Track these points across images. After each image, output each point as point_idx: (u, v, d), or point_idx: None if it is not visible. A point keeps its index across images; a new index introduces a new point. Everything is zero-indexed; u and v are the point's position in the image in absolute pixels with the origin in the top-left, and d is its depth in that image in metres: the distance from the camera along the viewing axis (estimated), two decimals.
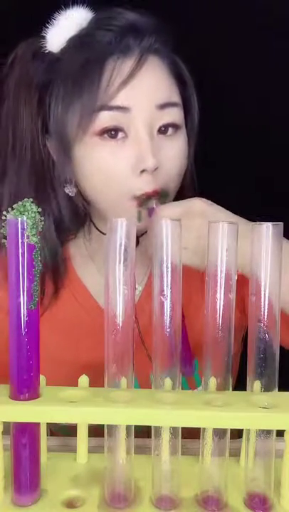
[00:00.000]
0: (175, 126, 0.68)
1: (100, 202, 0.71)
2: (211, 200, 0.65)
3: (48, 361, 0.69)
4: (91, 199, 0.72)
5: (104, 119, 0.64)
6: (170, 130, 0.68)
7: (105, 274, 0.48)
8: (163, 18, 0.67)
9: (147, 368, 0.50)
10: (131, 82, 0.64)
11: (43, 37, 0.69)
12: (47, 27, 0.67)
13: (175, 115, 0.68)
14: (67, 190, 0.73)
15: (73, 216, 0.75)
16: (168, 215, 0.63)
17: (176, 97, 0.69)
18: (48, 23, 0.67)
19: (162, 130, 0.67)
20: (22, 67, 0.69)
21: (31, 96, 0.68)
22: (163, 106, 0.66)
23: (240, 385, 0.51)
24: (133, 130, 0.65)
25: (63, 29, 0.67)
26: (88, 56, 0.65)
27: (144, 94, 0.65)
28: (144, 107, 0.65)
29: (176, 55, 0.71)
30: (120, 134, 0.66)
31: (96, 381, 0.51)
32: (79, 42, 0.67)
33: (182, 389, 0.50)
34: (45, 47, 0.68)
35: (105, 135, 0.65)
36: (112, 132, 0.65)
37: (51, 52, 0.68)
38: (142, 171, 0.65)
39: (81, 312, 0.79)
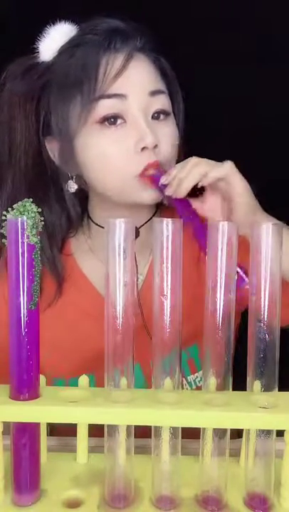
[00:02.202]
0: (165, 113, 0.74)
1: (108, 189, 0.74)
2: None
3: (53, 353, 0.70)
4: (98, 187, 0.75)
5: (104, 107, 0.70)
6: (161, 116, 0.74)
7: (105, 275, 0.48)
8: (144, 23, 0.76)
9: (150, 353, 0.50)
10: (124, 72, 0.70)
11: (33, 52, 0.75)
12: (39, 41, 0.75)
13: (164, 102, 0.74)
14: (68, 187, 0.77)
15: (69, 216, 0.80)
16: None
17: (163, 87, 0.76)
18: (38, 37, 0.75)
19: (155, 116, 0.73)
20: (14, 81, 0.75)
21: (26, 105, 0.74)
22: (154, 93, 0.73)
23: (240, 384, 0.51)
24: (130, 116, 0.71)
25: (55, 39, 0.74)
26: (83, 55, 0.71)
27: (137, 83, 0.72)
28: (138, 93, 0.71)
29: (158, 54, 0.78)
30: (119, 121, 0.71)
31: (99, 372, 0.52)
32: (71, 46, 0.73)
33: (183, 373, 0.50)
34: (37, 59, 0.75)
35: (105, 123, 0.71)
36: (112, 119, 0.70)
37: (44, 61, 0.75)
38: (143, 149, 0.70)
39: (84, 303, 0.80)
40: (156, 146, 0.70)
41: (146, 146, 0.69)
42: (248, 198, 0.69)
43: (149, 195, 0.72)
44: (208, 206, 0.71)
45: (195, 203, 0.71)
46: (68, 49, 0.73)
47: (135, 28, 0.74)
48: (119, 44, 0.71)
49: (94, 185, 0.75)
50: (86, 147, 0.72)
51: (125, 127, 0.71)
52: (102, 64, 0.70)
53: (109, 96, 0.70)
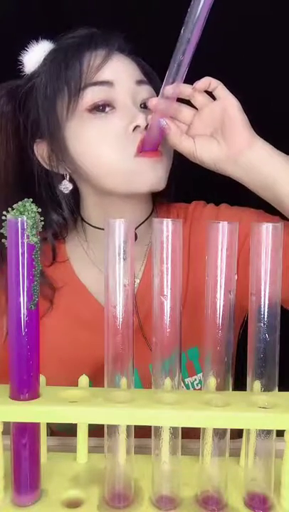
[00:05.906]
0: None
1: (108, 174, 0.72)
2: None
3: (50, 360, 0.70)
4: (99, 178, 0.73)
5: (92, 95, 0.71)
6: (148, 107, 0.74)
7: (105, 275, 0.48)
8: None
9: (147, 358, 0.50)
10: (108, 62, 0.73)
11: (16, 77, 0.78)
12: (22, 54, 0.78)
13: (150, 92, 0.76)
14: (62, 187, 0.77)
15: (62, 221, 0.79)
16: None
17: (147, 80, 0.77)
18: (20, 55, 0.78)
19: (142, 106, 0.75)
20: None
21: (7, 123, 0.76)
22: (140, 82, 0.75)
23: (240, 385, 0.51)
24: (119, 102, 0.72)
25: (38, 51, 0.76)
26: (66, 53, 0.73)
27: (122, 72, 0.74)
28: (124, 81, 0.73)
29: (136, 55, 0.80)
30: (108, 108, 0.72)
31: (98, 379, 0.52)
32: (54, 51, 0.75)
33: (182, 375, 0.50)
34: (20, 80, 0.77)
35: (94, 111, 0.72)
36: (101, 107, 0.72)
37: (28, 73, 0.77)
38: (135, 128, 0.71)
39: (82, 312, 0.79)
40: (146, 127, 0.71)
41: (139, 125, 0.70)
42: (240, 113, 0.68)
43: (154, 175, 0.71)
44: (200, 149, 0.70)
45: (188, 153, 0.71)
46: (51, 53, 0.75)
47: (112, 33, 0.76)
48: (99, 44, 0.73)
49: (94, 178, 0.73)
50: (77, 137, 0.72)
51: (115, 113, 0.72)
52: (85, 57, 0.72)
53: (96, 83, 0.71)
